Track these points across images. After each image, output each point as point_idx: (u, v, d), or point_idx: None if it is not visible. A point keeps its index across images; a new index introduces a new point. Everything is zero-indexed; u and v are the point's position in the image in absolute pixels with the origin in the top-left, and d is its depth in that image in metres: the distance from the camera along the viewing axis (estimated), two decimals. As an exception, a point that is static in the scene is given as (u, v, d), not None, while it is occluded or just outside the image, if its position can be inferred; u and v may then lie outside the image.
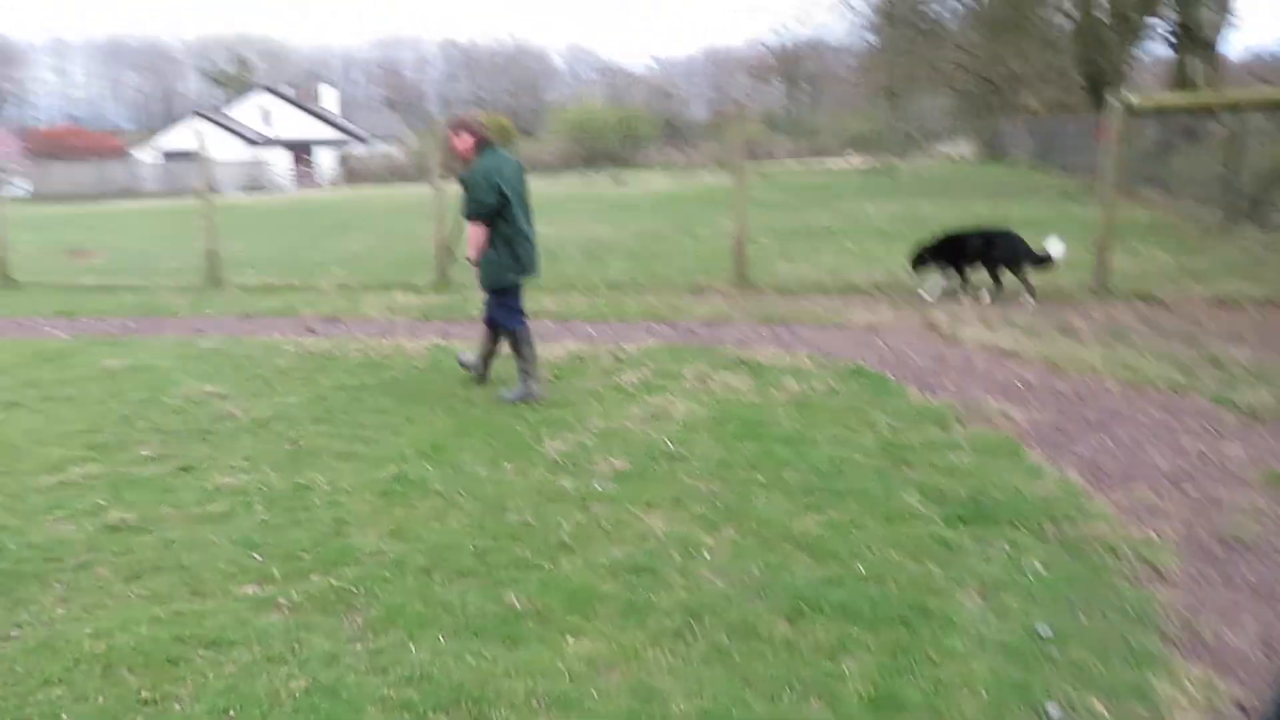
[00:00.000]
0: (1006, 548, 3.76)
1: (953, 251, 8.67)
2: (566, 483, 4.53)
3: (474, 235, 5.74)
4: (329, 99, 65.95)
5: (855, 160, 40.43)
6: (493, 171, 5.62)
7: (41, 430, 5.61)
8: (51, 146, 63.27)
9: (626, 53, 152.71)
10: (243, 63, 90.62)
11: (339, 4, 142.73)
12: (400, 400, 6.05)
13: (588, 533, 4.00)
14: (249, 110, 57.38)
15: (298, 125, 56.31)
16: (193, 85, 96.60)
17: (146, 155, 50.02)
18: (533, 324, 7.99)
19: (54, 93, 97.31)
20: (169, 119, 69.45)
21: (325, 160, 54.16)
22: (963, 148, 41.34)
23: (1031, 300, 8.37)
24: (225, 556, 3.87)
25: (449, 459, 4.92)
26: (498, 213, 5.66)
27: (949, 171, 31.22)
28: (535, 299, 9.41)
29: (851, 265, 10.77)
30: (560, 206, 22.99)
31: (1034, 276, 8.47)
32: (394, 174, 48.41)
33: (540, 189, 25.47)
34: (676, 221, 17.14)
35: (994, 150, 35.98)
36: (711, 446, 4.98)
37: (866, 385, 6.02)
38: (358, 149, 55.64)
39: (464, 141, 5.76)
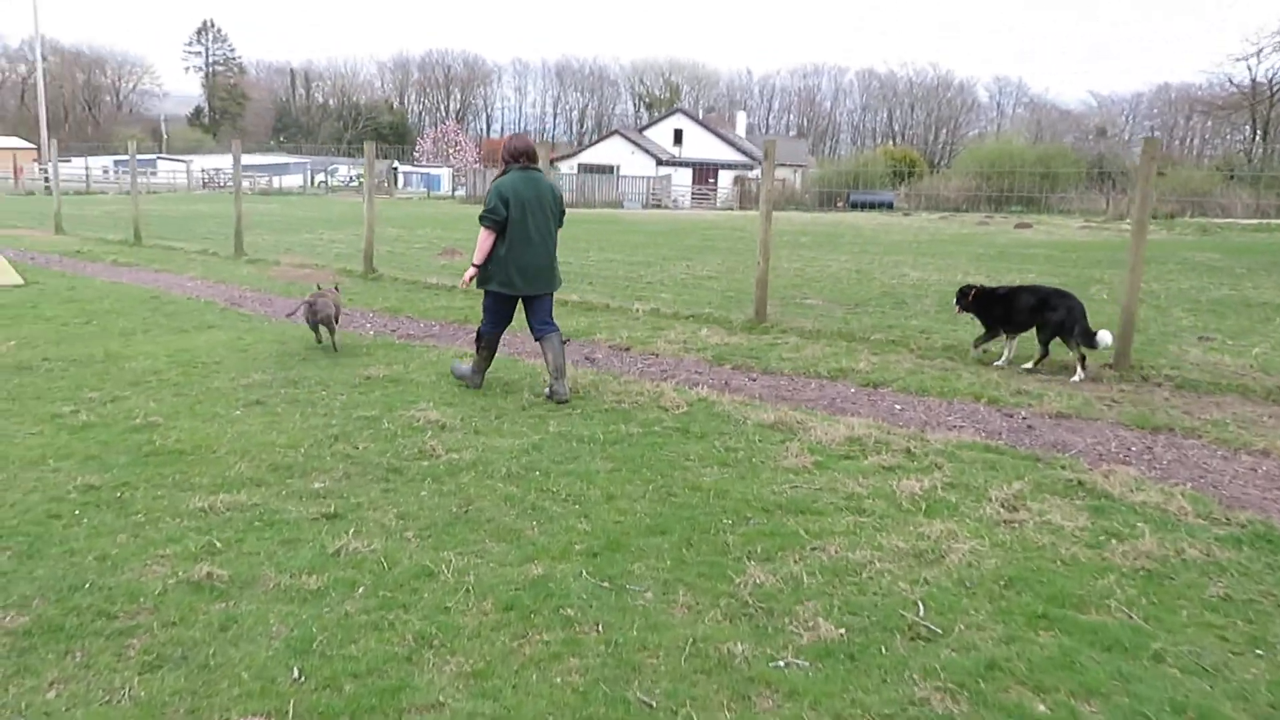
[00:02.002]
0: None
1: (1012, 311, 7.54)
2: (740, 645, 3.13)
3: (481, 241, 6.20)
4: (742, 124, 67.68)
5: (1334, 221, 33.28)
6: (506, 188, 6.11)
7: (249, 438, 5.25)
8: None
9: (1061, 86, 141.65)
10: (670, 86, 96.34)
11: (766, 33, 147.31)
12: (616, 466, 4.95)
13: (722, 752, 2.59)
14: (663, 131, 60.41)
15: (705, 147, 58.26)
16: (625, 106, 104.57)
17: (566, 167, 54.36)
18: (836, 386, 6.48)
19: (512, 109, 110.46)
20: (597, 136, 75.49)
21: (725, 182, 55.43)
22: None
23: (1081, 373, 7.19)
24: (262, 663, 2.98)
25: (616, 568, 3.72)
26: (503, 227, 6.12)
27: None
28: (853, 354, 7.95)
29: (1296, 359, 7.97)
30: (940, 248, 20.88)
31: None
32: (789, 200, 48.20)
33: (929, 227, 23.57)
34: (1072, 277, 14.50)
35: None
36: (984, 627, 3.30)
37: (1277, 563, 3.89)
38: (756, 173, 56.35)
39: (500, 164, 6.41)
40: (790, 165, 58.32)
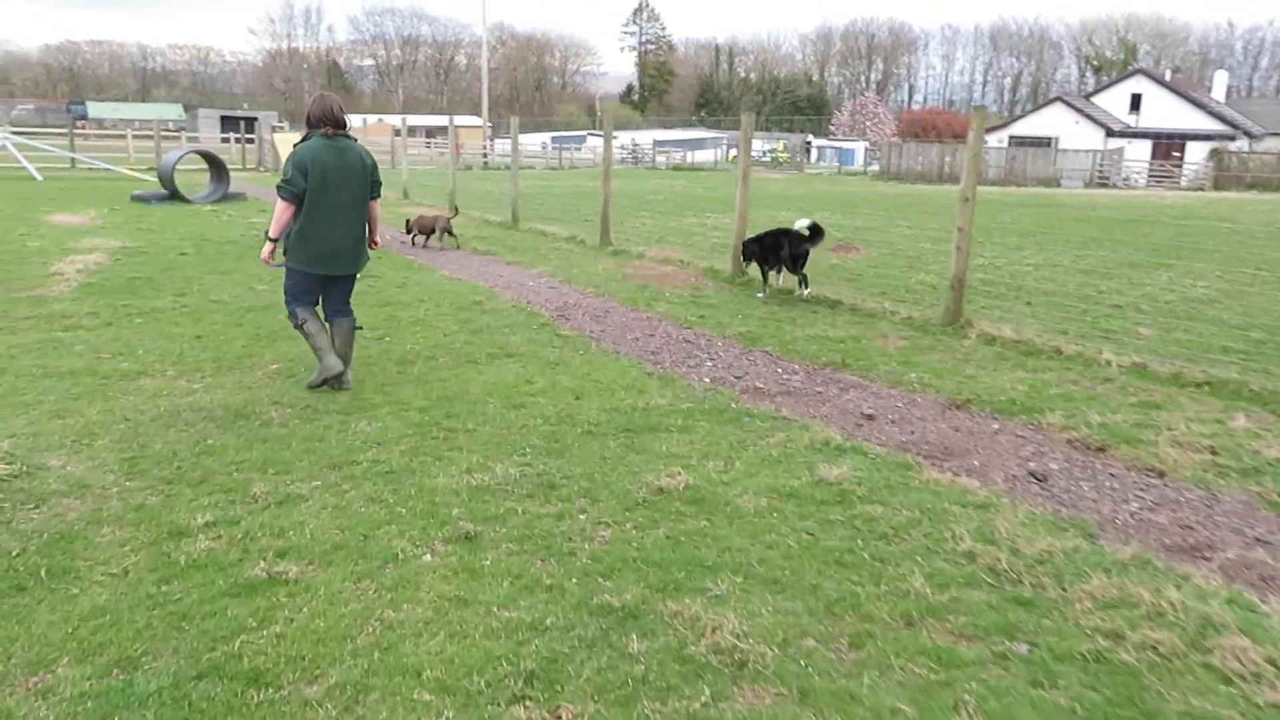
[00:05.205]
0: None
1: (763, 250, 9.28)
2: None
3: (279, 214, 5.57)
4: (1221, 86, 56.72)
5: None
6: (305, 156, 5.50)
7: (387, 658, 2.88)
8: (915, 128, 66.61)
9: None
10: (1125, 46, 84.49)
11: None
12: None
13: None
14: (1116, 96, 51.95)
15: (1170, 115, 49.07)
16: (1068, 70, 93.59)
17: (995, 140, 48.43)
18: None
19: (936, 78, 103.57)
20: (1031, 104, 67.70)
21: (1195, 156, 46.15)
22: None
23: (805, 291, 9.12)
24: None
25: None
26: (303, 198, 5.51)
27: None
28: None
29: None
30: None
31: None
32: (1282, 178, 38.73)
33: None
34: None
35: None
36: None
37: None
38: (1239, 145, 46.29)
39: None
40: (1286, 135, 47.36)
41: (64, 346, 6.67)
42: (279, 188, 5.57)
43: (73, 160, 27.84)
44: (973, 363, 6.78)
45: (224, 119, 65.46)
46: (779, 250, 9.13)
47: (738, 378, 6.37)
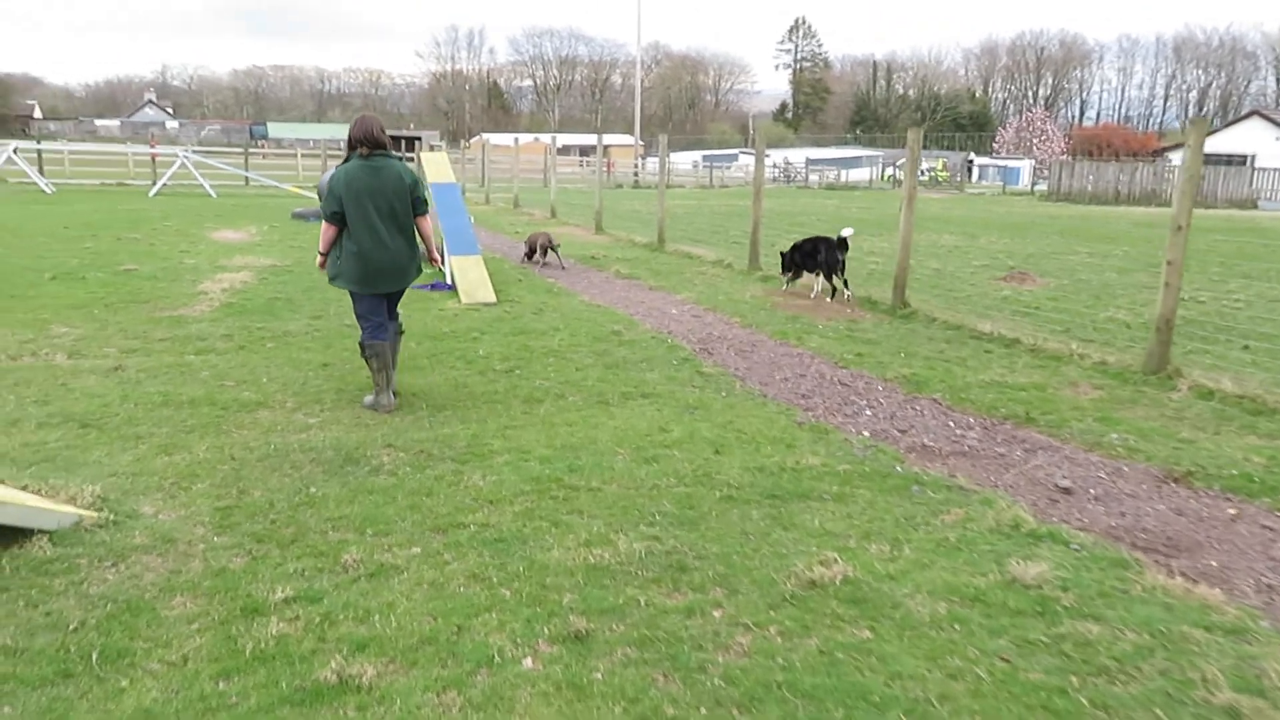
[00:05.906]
0: None
1: (802, 256, 10.27)
2: None
3: (323, 232, 5.68)
4: None
5: None
6: (339, 181, 5.57)
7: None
8: (1087, 145, 62.78)
9: None
10: (1332, 55, 77.73)
11: None
12: None
13: None
14: (1323, 110, 47.27)
15: (1387, 129, 44.25)
16: (1264, 82, 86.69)
17: (1177, 157, 44.86)
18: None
19: (1112, 92, 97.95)
20: (1225, 119, 62.92)
21: None
22: None
23: (839, 294, 10.09)
24: None
25: None
26: (343, 219, 5.58)
27: None
28: None
29: None
30: None
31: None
32: None
33: None
34: None
35: None
36: None
37: None
38: None
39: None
40: None
41: (191, 372, 6.50)
42: (321, 211, 5.75)
43: (246, 178, 29.23)
44: (1187, 422, 5.72)
45: (390, 138, 68.15)
46: (816, 255, 10.11)
47: (902, 431, 5.55)
